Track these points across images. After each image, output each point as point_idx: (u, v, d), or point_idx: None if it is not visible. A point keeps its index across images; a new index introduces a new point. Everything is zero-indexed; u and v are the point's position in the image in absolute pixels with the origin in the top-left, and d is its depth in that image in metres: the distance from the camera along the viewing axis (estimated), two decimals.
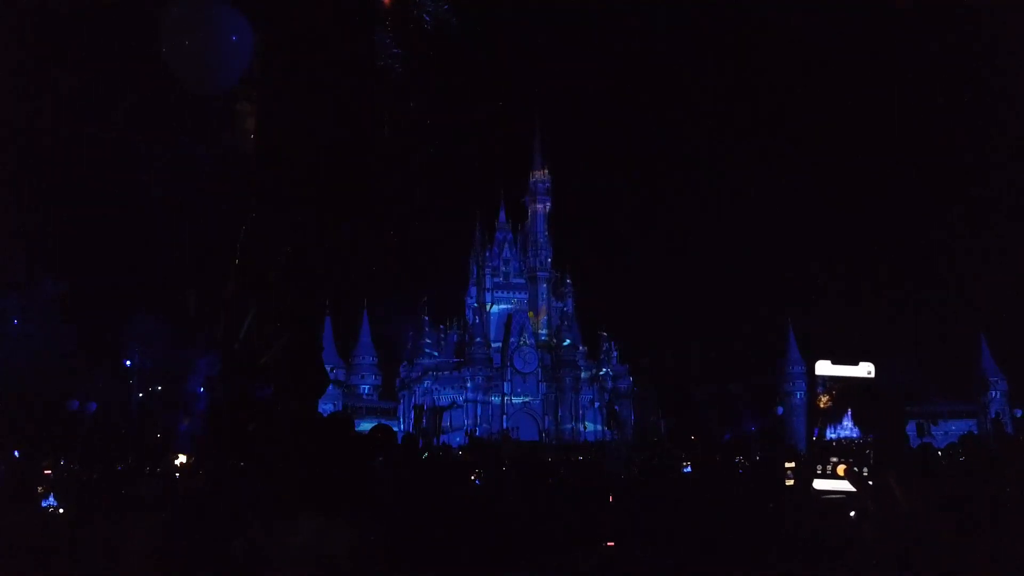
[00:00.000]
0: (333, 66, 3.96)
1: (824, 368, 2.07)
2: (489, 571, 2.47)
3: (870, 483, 2.00)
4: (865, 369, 2.05)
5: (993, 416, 53.13)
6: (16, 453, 14.57)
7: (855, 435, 2.02)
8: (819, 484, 2.01)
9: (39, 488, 5.87)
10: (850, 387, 2.05)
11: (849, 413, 2.05)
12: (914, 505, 2.12)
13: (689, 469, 8.07)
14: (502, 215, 72.19)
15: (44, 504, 5.90)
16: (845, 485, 1.99)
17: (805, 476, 2.07)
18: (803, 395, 66.36)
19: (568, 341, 66.73)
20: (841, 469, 2.00)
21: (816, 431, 2.05)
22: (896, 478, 2.16)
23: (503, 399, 63.83)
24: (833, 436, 2.04)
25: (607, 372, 67.11)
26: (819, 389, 2.07)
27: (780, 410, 64.73)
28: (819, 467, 2.02)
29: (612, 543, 4.19)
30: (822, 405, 2.07)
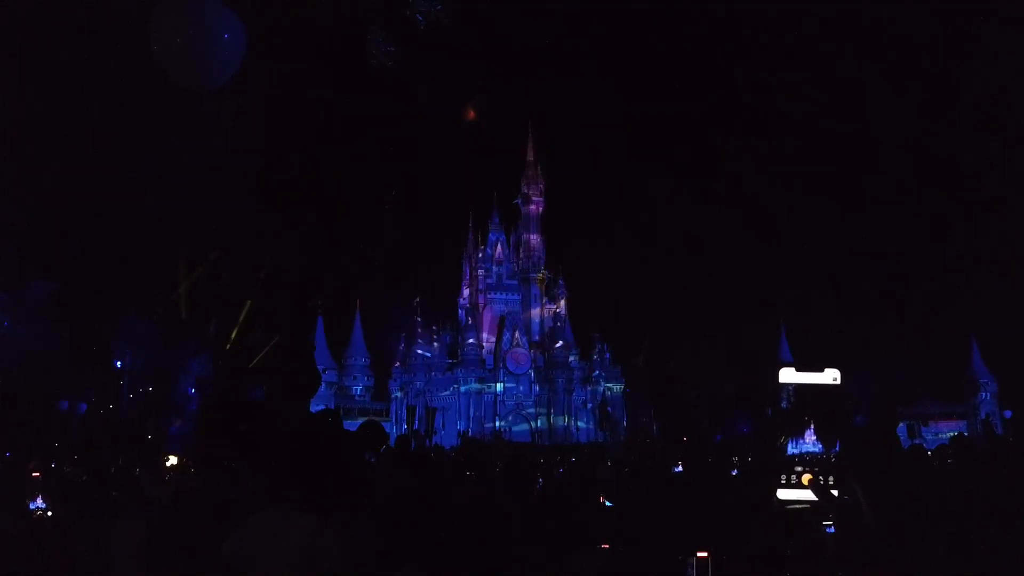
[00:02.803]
0: (326, 67, 3.95)
1: (788, 376, 2.00)
2: (482, 570, 2.47)
3: (834, 493, 1.96)
4: (831, 376, 1.98)
5: (983, 418, 53.43)
6: (8, 454, 14.47)
7: (817, 449, 2.00)
8: (783, 494, 1.97)
9: (27, 489, 5.82)
10: (814, 395, 1.98)
11: (812, 427, 2.03)
12: (879, 514, 2.10)
13: (680, 469, 8.07)
14: (495, 216, 72.23)
15: (32, 506, 5.86)
16: (808, 495, 1.95)
17: (767, 485, 2.00)
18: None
19: (561, 342, 66.78)
20: (806, 479, 1.95)
21: (779, 443, 2.01)
22: (862, 488, 2.13)
23: (496, 400, 63.78)
24: (795, 451, 2.02)
25: (599, 373, 67.18)
26: (782, 399, 2.02)
27: (771, 412, 64.92)
28: (783, 476, 1.97)
29: (607, 545, 4.19)
30: (785, 416, 2.03)
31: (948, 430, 46.32)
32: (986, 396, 63.09)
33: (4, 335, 31.35)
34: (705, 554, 2.82)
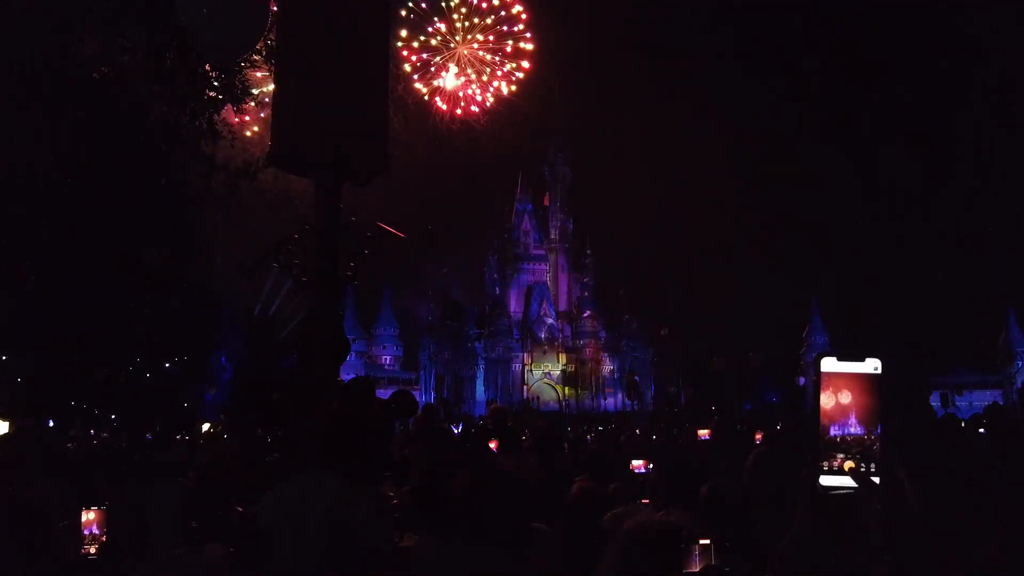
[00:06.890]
0: (350, 34, 3.93)
1: (829, 365, 2.04)
2: (512, 534, 2.50)
3: (875, 480, 1.99)
4: (872, 365, 2.01)
5: (1019, 387, 52.48)
6: (50, 422, 14.91)
7: (860, 432, 2.01)
8: (825, 480, 2.01)
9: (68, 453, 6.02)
10: (856, 384, 2.03)
11: (853, 413, 2.03)
12: (923, 501, 2.10)
13: (707, 437, 8.10)
14: (522, 186, 71.94)
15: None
16: (850, 481, 1.99)
17: (810, 472, 2.05)
18: None
19: (588, 312, 66.72)
20: (847, 465, 2.00)
21: (820, 429, 2.04)
22: (906, 474, 2.12)
23: (523, 370, 64.12)
24: (838, 433, 2.02)
25: (627, 343, 67.12)
26: (824, 386, 2.05)
27: (802, 380, 64.52)
28: (825, 463, 2.02)
29: (647, 500, 4.23)
30: (825, 403, 2.05)
31: (982, 399, 45.66)
32: (1022, 365, 61.95)
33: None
34: (707, 541, 2.85)
